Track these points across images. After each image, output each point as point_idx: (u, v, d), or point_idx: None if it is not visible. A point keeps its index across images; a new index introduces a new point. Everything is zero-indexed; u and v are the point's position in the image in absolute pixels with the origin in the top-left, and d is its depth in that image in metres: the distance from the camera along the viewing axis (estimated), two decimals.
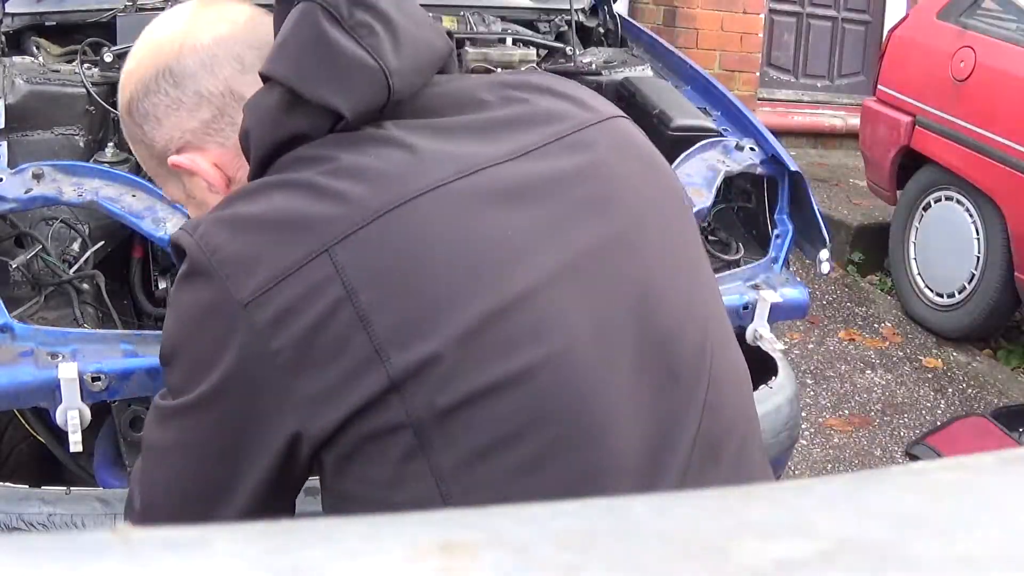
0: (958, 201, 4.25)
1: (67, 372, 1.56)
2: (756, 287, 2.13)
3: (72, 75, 2.16)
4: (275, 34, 1.02)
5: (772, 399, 2.13)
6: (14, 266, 1.75)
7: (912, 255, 4.52)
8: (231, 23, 1.09)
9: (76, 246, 1.87)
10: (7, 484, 1.57)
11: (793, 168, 2.19)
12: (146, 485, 1.01)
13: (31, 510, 1.57)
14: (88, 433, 1.62)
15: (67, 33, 2.39)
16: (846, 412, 3.78)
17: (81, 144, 2.13)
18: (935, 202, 4.38)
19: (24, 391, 1.56)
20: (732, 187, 2.32)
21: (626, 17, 2.94)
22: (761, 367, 2.26)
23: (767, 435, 2.09)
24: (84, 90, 2.14)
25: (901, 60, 4.57)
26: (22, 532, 1.54)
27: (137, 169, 2.08)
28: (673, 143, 2.21)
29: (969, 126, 4.08)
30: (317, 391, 0.90)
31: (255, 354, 0.91)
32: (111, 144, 2.11)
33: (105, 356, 1.64)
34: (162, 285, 1.90)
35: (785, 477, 2.65)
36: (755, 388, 2.18)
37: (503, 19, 2.68)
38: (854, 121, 5.72)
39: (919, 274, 4.47)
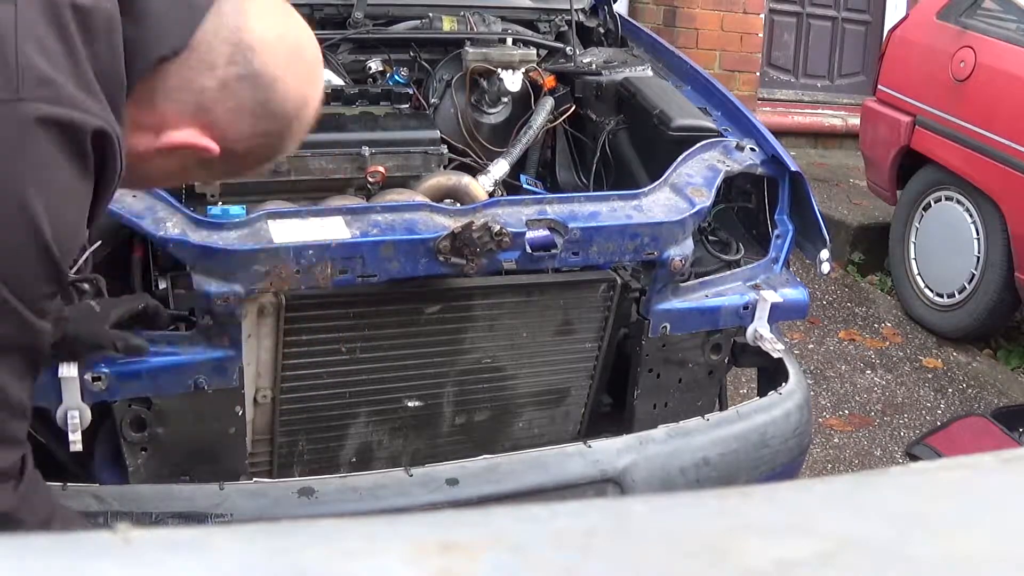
0: (958, 201, 4.24)
1: (67, 372, 1.57)
2: (756, 287, 2.13)
3: None
4: None
5: (781, 405, 2.12)
6: None
7: (912, 255, 4.51)
8: None
9: None
10: None
11: (793, 168, 2.19)
12: None
13: None
14: (88, 433, 1.62)
15: None
16: (846, 412, 3.78)
17: None
18: (935, 202, 4.38)
19: None
20: (732, 187, 2.32)
21: (626, 17, 2.94)
22: (774, 372, 2.26)
23: (776, 441, 2.08)
24: None
25: (901, 60, 4.57)
26: (21, 532, 1.54)
27: None
28: (673, 143, 2.21)
29: (969, 126, 4.08)
30: None
31: None
32: None
33: (105, 356, 1.64)
34: (162, 285, 1.90)
35: None
36: (764, 394, 2.18)
37: (503, 19, 2.68)
38: (854, 121, 5.72)
39: (919, 274, 4.47)
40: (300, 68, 1.16)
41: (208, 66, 1.10)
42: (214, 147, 1.13)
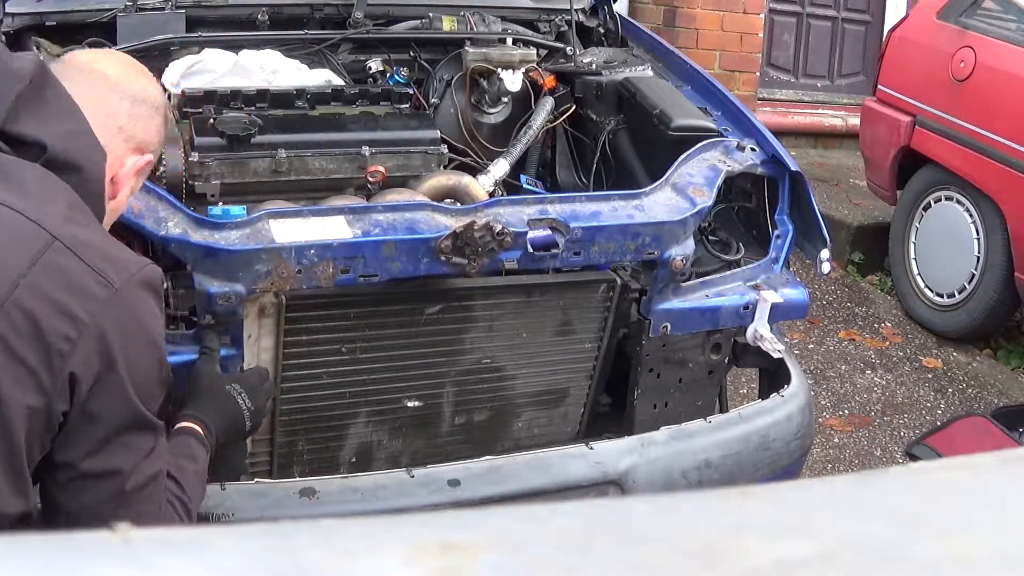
0: (958, 201, 4.24)
1: None
2: (756, 287, 2.13)
3: None
4: None
5: (784, 407, 2.12)
6: None
7: (912, 255, 4.51)
8: None
9: None
10: None
11: (793, 168, 2.19)
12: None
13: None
14: None
15: (67, 33, 2.38)
16: (846, 412, 3.78)
17: None
18: (935, 202, 4.38)
19: None
20: (733, 187, 2.31)
21: (626, 17, 2.94)
22: (775, 372, 2.26)
23: (778, 444, 2.08)
24: None
25: (901, 60, 4.57)
26: (21, 532, 1.54)
27: None
28: (674, 143, 2.21)
29: (969, 126, 4.08)
30: None
31: None
32: None
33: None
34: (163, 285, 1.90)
35: None
36: (767, 396, 2.18)
37: (503, 19, 2.68)
38: (854, 121, 5.72)
39: (919, 274, 4.47)
40: (136, 70, 1.48)
41: (113, 116, 1.40)
42: (151, 158, 1.47)
